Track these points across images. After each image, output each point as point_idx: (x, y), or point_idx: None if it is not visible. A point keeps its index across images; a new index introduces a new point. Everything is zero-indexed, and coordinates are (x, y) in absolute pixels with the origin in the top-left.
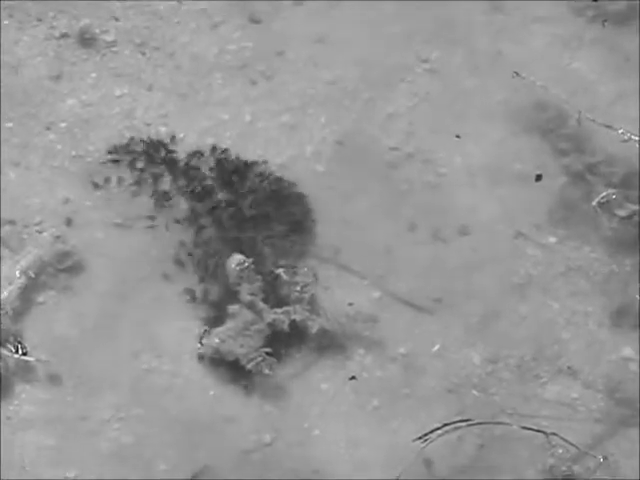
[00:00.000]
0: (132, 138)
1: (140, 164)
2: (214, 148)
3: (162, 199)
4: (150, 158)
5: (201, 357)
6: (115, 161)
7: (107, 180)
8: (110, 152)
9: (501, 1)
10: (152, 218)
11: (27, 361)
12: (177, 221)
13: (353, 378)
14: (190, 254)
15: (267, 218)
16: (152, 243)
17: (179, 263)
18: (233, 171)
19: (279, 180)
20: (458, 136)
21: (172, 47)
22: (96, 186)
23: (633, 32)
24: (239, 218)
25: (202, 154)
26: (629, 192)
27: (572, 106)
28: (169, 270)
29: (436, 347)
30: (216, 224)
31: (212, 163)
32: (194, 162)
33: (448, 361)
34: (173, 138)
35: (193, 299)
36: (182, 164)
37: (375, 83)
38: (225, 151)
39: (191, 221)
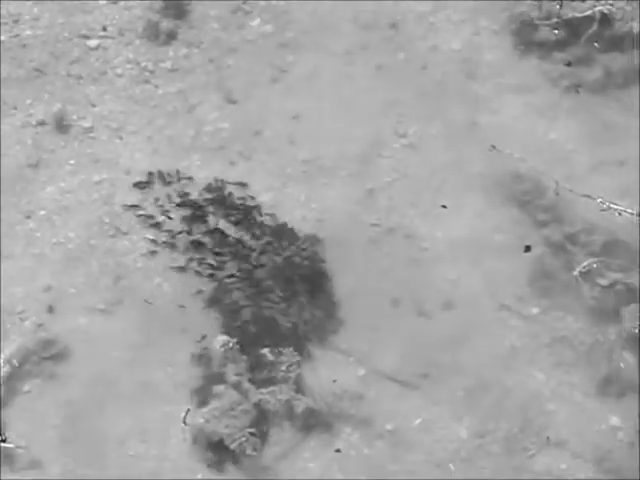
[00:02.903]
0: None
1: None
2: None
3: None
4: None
5: (187, 438)
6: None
7: (89, 265)
8: None
9: (474, 69)
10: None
11: (8, 448)
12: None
13: (338, 451)
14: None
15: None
16: (136, 327)
17: (164, 346)
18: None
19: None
20: (444, 206)
21: (149, 131)
22: (78, 272)
23: (609, 100)
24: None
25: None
26: (610, 261)
27: (549, 177)
28: (154, 354)
29: (418, 420)
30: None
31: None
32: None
33: (435, 436)
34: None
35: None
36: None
37: (353, 159)
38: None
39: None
